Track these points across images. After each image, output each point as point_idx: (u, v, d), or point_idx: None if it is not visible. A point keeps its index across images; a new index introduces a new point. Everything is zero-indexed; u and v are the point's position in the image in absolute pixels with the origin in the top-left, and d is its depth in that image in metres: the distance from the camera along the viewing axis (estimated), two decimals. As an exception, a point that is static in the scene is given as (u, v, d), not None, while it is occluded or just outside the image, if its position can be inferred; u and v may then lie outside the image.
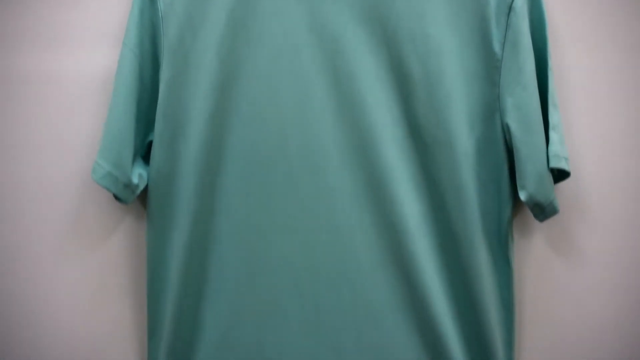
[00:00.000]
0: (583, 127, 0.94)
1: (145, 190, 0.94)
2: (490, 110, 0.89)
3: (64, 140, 0.97)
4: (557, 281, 0.95)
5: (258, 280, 0.91)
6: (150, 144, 0.93)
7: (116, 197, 0.92)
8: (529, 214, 0.95)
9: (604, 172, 0.94)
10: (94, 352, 0.98)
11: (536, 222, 0.95)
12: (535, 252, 0.95)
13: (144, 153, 0.94)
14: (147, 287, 0.94)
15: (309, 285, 0.90)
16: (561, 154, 0.88)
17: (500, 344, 0.92)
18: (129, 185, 0.90)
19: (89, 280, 0.98)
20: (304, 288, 0.90)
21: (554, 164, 0.87)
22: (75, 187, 0.97)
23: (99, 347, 0.98)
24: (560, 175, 0.90)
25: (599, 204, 0.94)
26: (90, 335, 0.98)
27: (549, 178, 0.88)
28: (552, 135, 0.88)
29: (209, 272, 0.92)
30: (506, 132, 0.89)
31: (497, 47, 0.88)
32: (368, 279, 0.90)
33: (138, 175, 0.91)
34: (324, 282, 0.90)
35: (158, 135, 0.91)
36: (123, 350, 0.98)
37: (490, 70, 0.89)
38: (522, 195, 0.88)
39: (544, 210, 0.89)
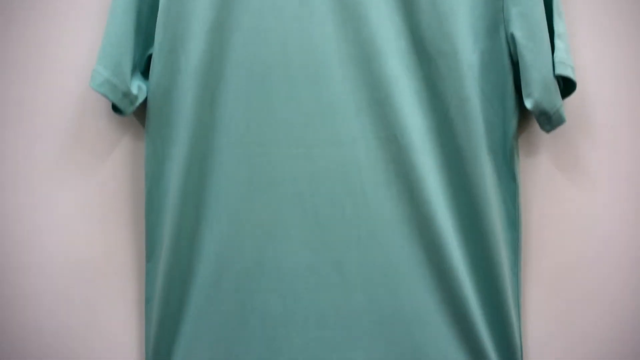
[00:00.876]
0: (588, 42, 0.93)
1: (145, 109, 0.92)
2: (495, 23, 0.88)
3: (62, 59, 0.96)
4: (563, 200, 0.93)
5: (258, 194, 0.89)
6: (149, 58, 0.92)
7: (114, 109, 0.91)
8: (534, 133, 0.93)
9: (609, 88, 0.93)
10: (91, 274, 0.97)
11: (541, 141, 0.93)
12: (541, 170, 0.94)
13: (143, 68, 0.92)
14: (145, 206, 0.93)
15: (310, 199, 0.88)
16: (567, 62, 0.87)
17: (506, 263, 0.90)
18: (127, 95, 0.89)
19: (86, 202, 0.97)
20: (306, 201, 0.89)
21: (560, 71, 0.86)
22: (73, 105, 0.96)
23: (97, 269, 0.97)
24: (566, 89, 0.89)
25: (604, 121, 0.93)
26: (88, 257, 0.96)
27: (554, 85, 0.86)
28: (558, 43, 0.87)
29: (208, 187, 0.90)
30: (510, 43, 0.88)
31: (500, -43, 0.88)
32: (370, 193, 0.88)
33: (137, 86, 0.90)
34: (326, 196, 0.88)
35: (158, 48, 0.90)
36: (121, 272, 0.96)
37: None
38: (528, 103, 0.86)
39: (550, 119, 0.87)
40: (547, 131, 0.89)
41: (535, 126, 0.93)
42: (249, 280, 0.89)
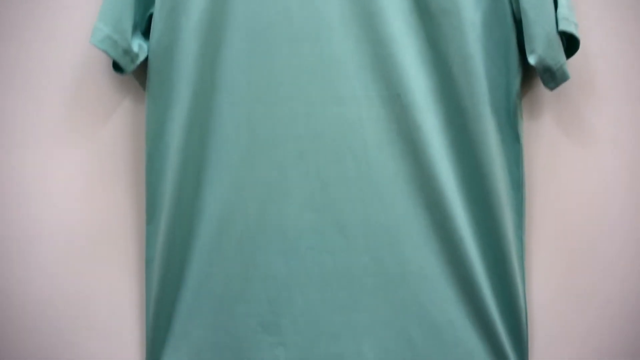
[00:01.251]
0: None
1: (146, 70, 0.91)
2: (497, -20, 0.88)
3: (61, 21, 0.95)
4: (567, 161, 0.93)
5: (260, 154, 0.88)
6: (150, 19, 0.91)
7: (115, 68, 0.90)
8: (537, 94, 0.93)
9: (612, 47, 0.92)
10: (91, 237, 0.96)
11: (545, 103, 0.93)
12: (544, 132, 0.93)
13: (144, 29, 0.91)
14: (145, 168, 0.92)
15: (313, 157, 0.88)
16: (570, 19, 0.86)
17: (510, 225, 0.89)
18: (128, 52, 0.88)
19: (86, 165, 0.96)
20: (309, 160, 0.88)
21: (563, 26, 0.85)
22: (74, 68, 0.95)
23: (96, 232, 0.96)
24: (568, 49, 0.88)
25: (607, 81, 0.92)
26: (87, 220, 0.96)
27: (557, 41, 0.86)
28: (561, -1, 0.87)
29: (209, 147, 0.89)
30: (513, 0, 0.87)
31: None
32: (373, 152, 0.87)
33: (138, 44, 0.89)
34: (328, 155, 0.88)
35: (159, 7, 0.89)
36: (121, 235, 0.96)
37: None
38: (532, 59, 0.86)
39: (554, 76, 0.87)
40: (551, 89, 0.88)
41: (538, 87, 0.92)
42: (251, 241, 0.89)
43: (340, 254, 0.88)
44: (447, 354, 0.89)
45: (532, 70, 0.91)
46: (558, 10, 0.86)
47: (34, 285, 0.96)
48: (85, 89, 0.95)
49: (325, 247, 0.88)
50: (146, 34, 0.91)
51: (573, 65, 0.92)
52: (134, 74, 0.94)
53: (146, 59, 0.91)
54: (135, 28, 0.90)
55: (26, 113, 0.96)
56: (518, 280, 0.89)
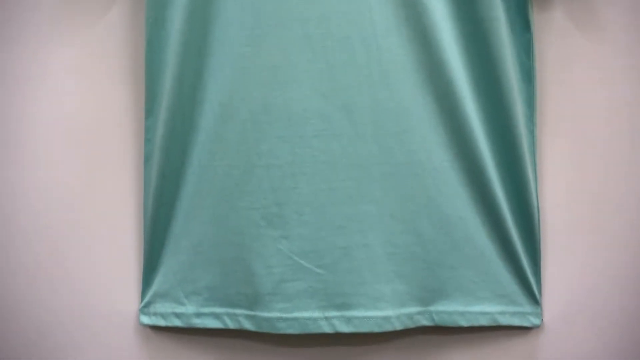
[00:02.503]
0: None
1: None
2: None
3: None
4: (579, 54, 0.90)
5: (265, 38, 0.85)
6: None
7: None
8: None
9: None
10: (90, 133, 0.93)
11: (555, -4, 0.91)
12: (556, 25, 0.90)
13: None
14: (145, 57, 0.89)
15: (320, 40, 0.85)
16: None
17: (521, 116, 0.87)
18: None
19: (84, 60, 0.93)
20: (315, 44, 0.85)
21: None
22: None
23: (95, 129, 0.93)
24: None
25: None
26: (86, 118, 0.93)
27: None
28: None
29: (212, 31, 0.86)
30: None
31: None
32: (382, 37, 0.84)
33: None
34: (336, 38, 0.84)
35: None
36: (119, 131, 0.93)
37: None
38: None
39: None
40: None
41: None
42: (255, 128, 0.85)
43: (347, 140, 0.85)
44: (457, 251, 0.86)
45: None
46: None
47: (28, 180, 0.93)
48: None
49: (333, 133, 0.85)
50: None
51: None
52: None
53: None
54: None
55: (20, 7, 0.93)
56: (530, 175, 0.87)
